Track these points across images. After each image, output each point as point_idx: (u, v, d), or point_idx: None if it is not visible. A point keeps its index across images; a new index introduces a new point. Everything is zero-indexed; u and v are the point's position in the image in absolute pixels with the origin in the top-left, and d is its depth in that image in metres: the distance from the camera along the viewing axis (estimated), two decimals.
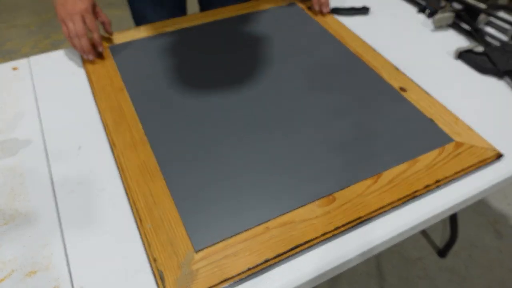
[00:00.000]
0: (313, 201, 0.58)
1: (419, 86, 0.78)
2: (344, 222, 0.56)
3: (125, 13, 2.26)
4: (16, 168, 0.64)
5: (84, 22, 0.79)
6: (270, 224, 0.56)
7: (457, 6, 0.96)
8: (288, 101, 0.75)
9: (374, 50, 0.86)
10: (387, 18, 0.98)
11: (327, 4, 0.96)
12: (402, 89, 0.77)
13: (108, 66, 0.82)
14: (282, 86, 0.78)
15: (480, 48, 0.86)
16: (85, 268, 0.52)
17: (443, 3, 0.97)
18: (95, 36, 0.80)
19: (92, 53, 0.81)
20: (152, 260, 0.51)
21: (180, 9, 1.13)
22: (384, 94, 0.77)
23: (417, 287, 1.27)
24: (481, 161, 0.64)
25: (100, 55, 0.83)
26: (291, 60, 0.84)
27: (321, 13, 0.97)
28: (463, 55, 0.85)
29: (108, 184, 0.61)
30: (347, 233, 0.56)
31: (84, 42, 0.79)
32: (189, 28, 0.93)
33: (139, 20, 1.10)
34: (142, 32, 0.91)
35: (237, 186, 0.60)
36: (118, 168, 0.63)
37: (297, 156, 0.65)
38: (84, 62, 0.83)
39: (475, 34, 0.91)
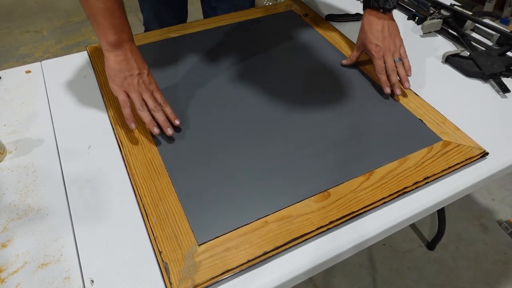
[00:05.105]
0: (309, 197, 0.58)
1: (409, 88, 0.78)
2: (338, 216, 0.56)
3: (132, 19, 2.26)
4: (29, 166, 0.64)
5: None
6: (268, 218, 0.56)
7: (445, 13, 0.96)
8: (285, 103, 0.74)
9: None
10: None
11: (406, 78, 0.76)
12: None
13: None
14: (279, 89, 0.78)
15: (466, 53, 0.86)
16: (94, 260, 0.52)
17: (431, 10, 0.97)
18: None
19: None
20: (158, 253, 0.51)
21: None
22: (376, 96, 0.76)
23: (407, 277, 1.27)
24: (467, 159, 0.64)
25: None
26: (288, 65, 0.84)
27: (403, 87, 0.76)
28: (450, 59, 0.85)
29: (116, 181, 0.61)
30: (341, 227, 0.56)
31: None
32: (192, 34, 0.93)
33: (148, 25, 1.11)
34: (148, 38, 0.91)
35: (238, 183, 0.60)
36: (126, 166, 0.63)
37: (295, 155, 0.65)
38: (94, 66, 0.83)
39: (461, 39, 0.91)
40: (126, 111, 0.65)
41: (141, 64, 0.66)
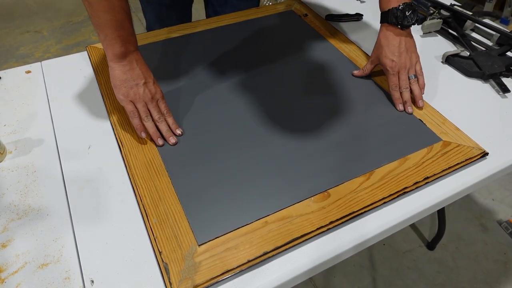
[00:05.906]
0: (309, 197, 0.58)
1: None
2: (338, 216, 0.56)
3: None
4: (29, 166, 0.64)
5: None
6: (268, 219, 0.56)
7: (444, 13, 0.96)
8: (285, 104, 0.74)
9: (366, 55, 0.86)
10: (379, 25, 0.98)
11: (420, 96, 0.74)
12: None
13: None
14: (279, 89, 0.78)
15: (466, 53, 0.86)
16: (94, 260, 0.52)
17: (431, 10, 0.97)
18: None
19: None
20: (158, 253, 0.51)
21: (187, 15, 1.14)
22: (376, 96, 0.76)
23: (407, 277, 1.27)
24: (467, 159, 0.64)
25: None
26: (288, 65, 0.84)
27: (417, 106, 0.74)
28: (450, 59, 0.85)
29: (116, 181, 0.61)
30: (341, 227, 0.56)
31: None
32: (193, 34, 0.93)
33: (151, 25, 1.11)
34: (149, 38, 0.91)
35: (238, 183, 0.60)
36: (126, 166, 0.63)
37: (295, 155, 0.65)
38: (94, 66, 0.83)
39: (461, 39, 0.91)
40: (135, 121, 0.66)
41: (147, 73, 0.66)
